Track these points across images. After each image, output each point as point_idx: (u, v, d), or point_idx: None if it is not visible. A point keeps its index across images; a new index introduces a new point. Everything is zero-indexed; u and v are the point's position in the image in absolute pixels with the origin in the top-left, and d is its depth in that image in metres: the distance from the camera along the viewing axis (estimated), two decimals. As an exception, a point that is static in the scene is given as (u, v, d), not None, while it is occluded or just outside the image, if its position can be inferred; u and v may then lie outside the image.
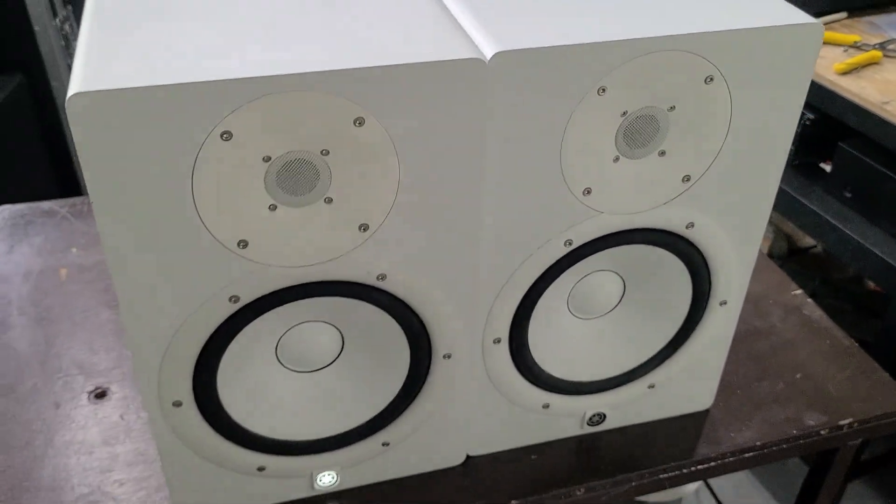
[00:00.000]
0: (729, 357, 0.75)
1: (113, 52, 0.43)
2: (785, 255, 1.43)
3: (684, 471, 0.66)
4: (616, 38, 0.47)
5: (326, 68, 0.42)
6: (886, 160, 1.09)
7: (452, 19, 0.49)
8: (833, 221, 1.13)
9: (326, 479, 0.61)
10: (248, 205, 0.46)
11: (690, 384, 0.68)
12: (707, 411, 0.70)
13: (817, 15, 1.22)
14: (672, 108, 0.51)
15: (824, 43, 1.19)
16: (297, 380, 0.58)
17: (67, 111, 0.40)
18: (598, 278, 0.61)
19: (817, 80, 1.11)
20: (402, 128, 0.46)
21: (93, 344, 0.74)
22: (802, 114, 1.19)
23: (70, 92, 0.40)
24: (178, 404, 0.53)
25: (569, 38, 0.47)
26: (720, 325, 0.64)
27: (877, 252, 1.08)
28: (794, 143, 1.21)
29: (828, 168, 1.20)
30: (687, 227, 0.57)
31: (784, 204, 1.21)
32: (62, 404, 0.68)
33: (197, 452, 0.56)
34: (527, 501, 0.62)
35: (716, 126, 0.53)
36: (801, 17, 0.51)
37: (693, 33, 0.48)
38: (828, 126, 1.17)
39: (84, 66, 0.42)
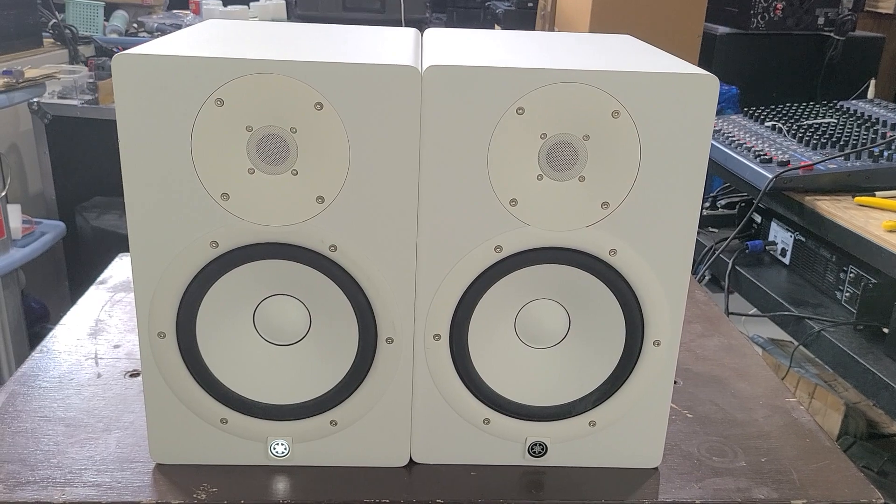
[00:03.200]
0: (695, 432, 0.77)
1: (165, 42, 0.62)
2: (864, 437, 1.36)
3: (617, 513, 0.67)
4: (530, 66, 0.59)
5: (293, 59, 0.58)
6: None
7: (418, 48, 0.64)
8: (886, 380, 1.10)
9: (279, 448, 0.69)
10: (232, 164, 0.61)
11: (634, 433, 0.70)
12: (656, 470, 0.71)
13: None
14: (587, 137, 0.61)
15: (882, 209, 1.22)
16: (265, 348, 0.68)
17: (112, 67, 0.58)
18: (543, 308, 0.68)
19: (865, 235, 1.14)
20: (352, 117, 0.59)
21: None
22: (863, 277, 1.20)
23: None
24: (162, 335, 0.65)
25: (492, 63, 0.60)
26: (657, 367, 0.68)
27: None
28: (855, 307, 1.22)
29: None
30: (610, 254, 0.64)
31: (842, 365, 1.19)
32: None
33: (172, 389, 0.67)
34: (453, 506, 0.66)
35: (628, 158, 0.62)
36: (698, 71, 0.61)
37: (596, 70, 0.59)
38: (890, 289, 1.17)
39: (140, 46, 0.60)
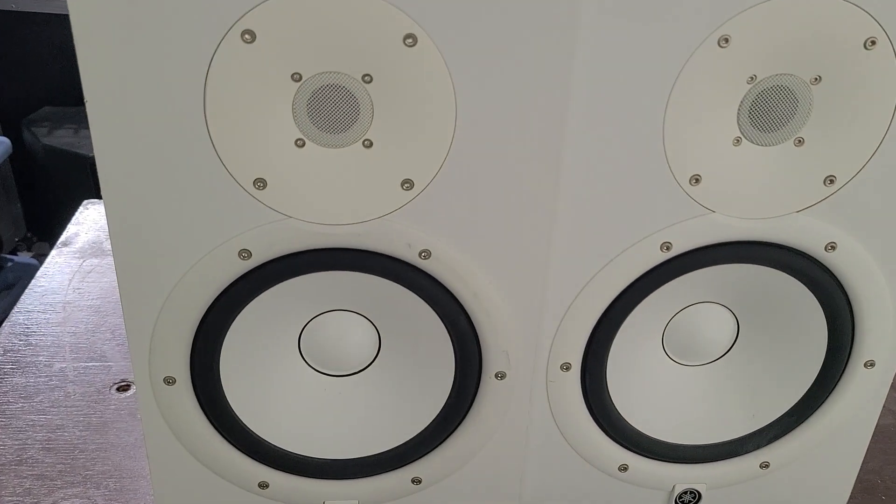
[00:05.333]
0: (870, 451, 0.59)
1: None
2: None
3: (801, 585, 0.51)
4: (747, -30, 0.37)
5: (373, -40, 0.35)
6: None
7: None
8: None
9: (341, 515, 0.50)
10: (271, 134, 0.38)
11: (818, 474, 0.53)
12: (837, 514, 0.54)
13: None
14: (817, 79, 0.40)
15: None
16: (320, 383, 0.48)
17: (65, -22, 0.34)
18: (704, 312, 0.49)
19: None
20: (463, 54, 0.37)
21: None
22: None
23: (71, -44, 0.34)
24: (170, 381, 0.44)
25: (685, -34, 0.37)
26: (863, 393, 0.49)
27: None
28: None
29: None
30: (827, 249, 0.44)
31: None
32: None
33: (189, 450, 0.47)
34: (586, 587, 0.49)
35: (876, 110, 0.41)
36: None
37: (852, -26, 0.37)
38: None
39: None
